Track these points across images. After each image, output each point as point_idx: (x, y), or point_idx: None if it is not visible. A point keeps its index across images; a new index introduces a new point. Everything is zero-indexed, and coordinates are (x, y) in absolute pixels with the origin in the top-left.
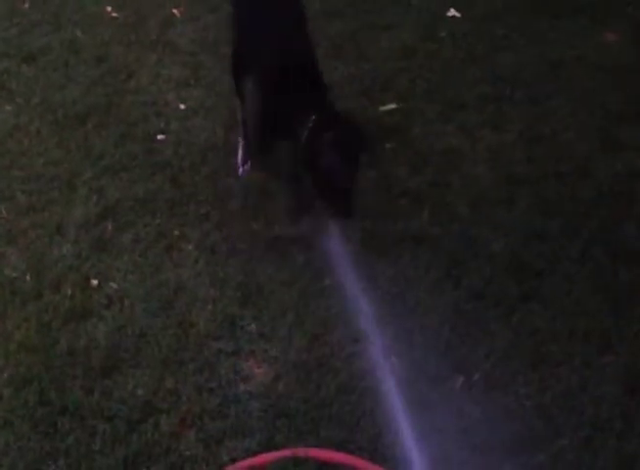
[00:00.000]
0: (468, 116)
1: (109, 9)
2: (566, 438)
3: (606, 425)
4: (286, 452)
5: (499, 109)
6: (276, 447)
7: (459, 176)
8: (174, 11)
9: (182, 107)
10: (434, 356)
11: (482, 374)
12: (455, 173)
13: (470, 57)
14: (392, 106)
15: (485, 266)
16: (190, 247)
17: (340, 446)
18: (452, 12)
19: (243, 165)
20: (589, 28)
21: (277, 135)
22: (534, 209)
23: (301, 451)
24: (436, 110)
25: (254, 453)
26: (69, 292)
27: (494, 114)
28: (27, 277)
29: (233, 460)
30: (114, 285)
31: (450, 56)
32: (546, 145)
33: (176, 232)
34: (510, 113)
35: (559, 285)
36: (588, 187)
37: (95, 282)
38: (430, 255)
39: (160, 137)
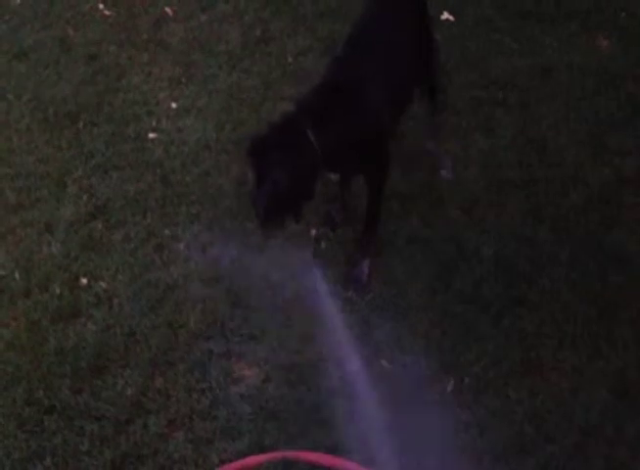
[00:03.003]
0: (460, 119)
1: (101, 7)
2: (556, 443)
3: (596, 430)
4: (276, 455)
5: (492, 113)
6: (266, 450)
7: (450, 180)
8: (166, 9)
9: (174, 106)
10: (425, 360)
11: (473, 378)
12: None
13: (463, 60)
14: None
15: (476, 270)
16: (180, 246)
17: (329, 449)
18: (446, 15)
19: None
20: (581, 34)
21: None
22: (524, 213)
23: (291, 454)
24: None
25: (244, 455)
26: (58, 291)
27: (487, 118)
28: (16, 276)
29: (222, 462)
30: (103, 284)
31: (443, 59)
32: (537, 150)
33: (167, 231)
34: (502, 117)
35: (548, 290)
36: (578, 192)
37: (84, 281)
38: (420, 258)
39: (151, 136)
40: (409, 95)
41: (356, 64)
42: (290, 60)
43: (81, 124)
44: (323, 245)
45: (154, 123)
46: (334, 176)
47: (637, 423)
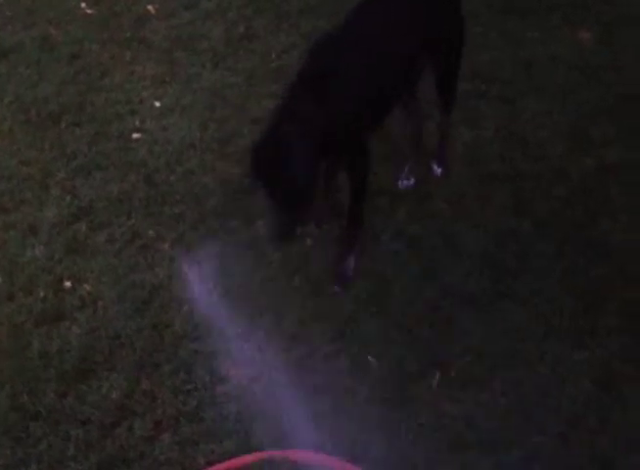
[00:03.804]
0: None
1: (83, 5)
2: (541, 434)
3: (581, 421)
4: (263, 455)
5: (476, 106)
6: (253, 450)
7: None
8: (149, 7)
9: (157, 105)
10: (411, 354)
11: (459, 371)
12: (428, 167)
13: None
14: None
15: (461, 265)
16: (165, 246)
17: (317, 448)
18: None
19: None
20: (563, 27)
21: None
22: (509, 206)
23: (278, 453)
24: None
25: (231, 456)
26: (42, 294)
27: (471, 111)
28: None
29: (209, 463)
30: (87, 287)
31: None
32: (520, 143)
33: (151, 232)
34: (486, 110)
35: (533, 282)
36: (561, 185)
37: (68, 284)
38: (407, 253)
39: (134, 136)
40: (396, 95)
41: (341, 53)
42: (273, 57)
43: (64, 125)
44: (309, 242)
45: (137, 123)
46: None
47: (620, 413)
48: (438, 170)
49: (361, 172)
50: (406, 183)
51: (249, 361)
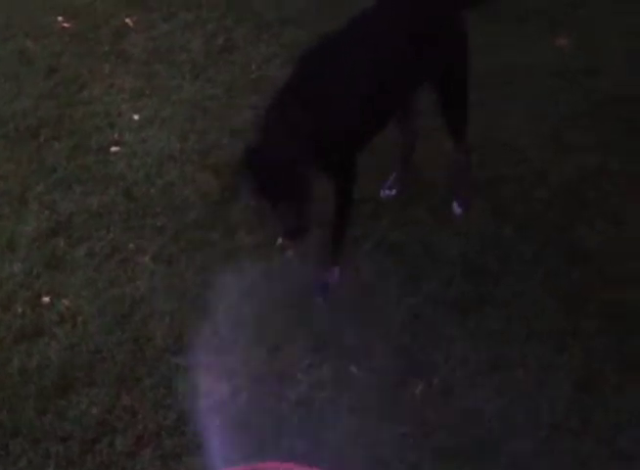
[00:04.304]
0: (425, 119)
1: (60, 19)
2: (525, 439)
3: (563, 425)
4: (245, 468)
5: None
6: (235, 463)
7: (416, 181)
8: (127, 20)
9: (136, 117)
10: (394, 363)
11: (441, 379)
12: (412, 178)
13: None
14: None
15: (443, 271)
16: (146, 259)
17: (301, 459)
18: None
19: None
20: (541, 33)
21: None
22: (488, 212)
23: (261, 466)
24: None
25: None
26: (20, 310)
27: None
28: None
29: None
30: (66, 302)
31: None
32: (499, 149)
33: (131, 245)
34: None
35: (514, 287)
36: (541, 190)
37: (47, 299)
38: (390, 261)
39: (113, 149)
40: (388, 110)
41: (330, 63)
42: (253, 68)
43: (42, 139)
44: (290, 253)
45: (116, 136)
46: None
47: (602, 414)
48: (459, 210)
49: (347, 186)
50: (388, 193)
51: (230, 374)
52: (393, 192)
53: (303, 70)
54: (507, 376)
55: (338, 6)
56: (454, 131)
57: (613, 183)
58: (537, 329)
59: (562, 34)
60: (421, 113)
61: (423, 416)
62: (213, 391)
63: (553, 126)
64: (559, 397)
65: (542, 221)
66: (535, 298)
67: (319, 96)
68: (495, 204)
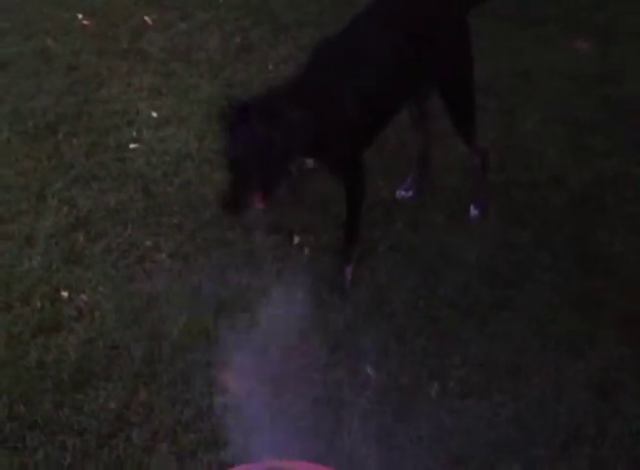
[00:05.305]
0: (442, 124)
1: (80, 17)
2: (541, 446)
3: (580, 431)
4: (260, 466)
5: None
6: (251, 460)
7: (433, 184)
8: (146, 19)
9: (154, 115)
10: (410, 365)
11: (457, 382)
12: (429, 181)
13: None
14: None
15: (460, 275)
16: (163, 257)
17: (316, 459)
18: None
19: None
20: (559, 37)
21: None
22: (506, 217)
23: (276, 464)
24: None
25: (228, 466)
26: (39, 304)
27: None
28: None
29: None
30: (84, 297)
31: None
32: (518, 153)
33: (148, 242)
34: (482, 121)
35: (531, 293)
36: (559, 195)
37: (65, 294)
38: (405, 263)
39: (131, 146)
40: (391, 107)
41: (336, 59)
42: (271, 68)
43: (61, 136)
44: (306, 251)
45: (134, 134)
46: (308, 161)
47: (619, 422)
48: (475, 212)
49: (356, 186)
50: (404, 194)
51: (247, 372)
52: (410, 193)
53: (312, 64)
54: (523, 381)
55: (354, 8)
56: (462, 134)
57: (631, 189)
58: (554, 335)
59: (581, 38)
60: (436, 116)
61: (438, 419)
62: (229, 389)
63: (571, 131)
64: (575, 403)
65: (560, 227)
66: (552, 304)
67: (320, 91)
68: (512, 208)
